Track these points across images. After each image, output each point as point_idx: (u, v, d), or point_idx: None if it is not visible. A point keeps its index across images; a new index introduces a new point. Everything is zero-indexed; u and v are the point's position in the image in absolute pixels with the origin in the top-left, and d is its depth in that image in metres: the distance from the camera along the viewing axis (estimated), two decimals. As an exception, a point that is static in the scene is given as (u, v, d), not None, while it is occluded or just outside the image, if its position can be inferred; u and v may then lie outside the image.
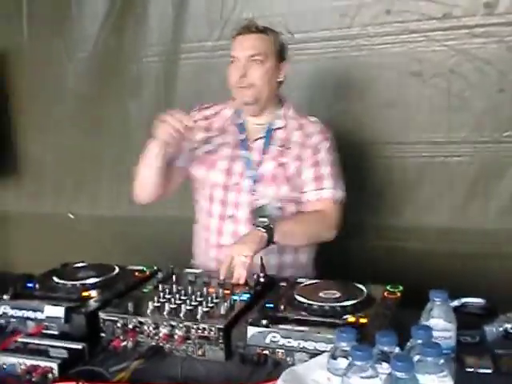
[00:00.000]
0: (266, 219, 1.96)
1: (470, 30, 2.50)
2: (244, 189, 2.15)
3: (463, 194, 2.63)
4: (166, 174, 2.15)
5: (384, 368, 1.09)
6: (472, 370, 1.43)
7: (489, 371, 1.42)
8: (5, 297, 1.78)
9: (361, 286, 1.72)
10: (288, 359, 1.46)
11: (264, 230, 1.92)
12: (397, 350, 1.14)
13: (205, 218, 2.25)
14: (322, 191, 2.12)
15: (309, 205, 2.15)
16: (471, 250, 2.59)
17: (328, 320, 1.51)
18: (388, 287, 1.73)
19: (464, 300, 1.75)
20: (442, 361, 1.08)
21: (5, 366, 1.50)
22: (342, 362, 1.13)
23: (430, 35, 2.55)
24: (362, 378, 1.06)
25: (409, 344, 1.18)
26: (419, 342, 1.14)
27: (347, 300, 1.60)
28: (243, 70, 2.10)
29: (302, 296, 1.64)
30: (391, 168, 2.68)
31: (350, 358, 1.08)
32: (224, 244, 2.18)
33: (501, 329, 1.57)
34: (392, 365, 1.03)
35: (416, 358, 1.10)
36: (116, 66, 3.14)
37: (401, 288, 1.73)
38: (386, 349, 1.13)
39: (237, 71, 2.11)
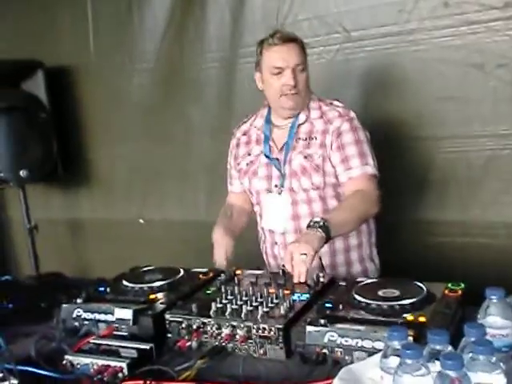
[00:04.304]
0: (318, 218, 1.95)
1: (532, 18, 2.42)
2: (283, 189, 2.24)
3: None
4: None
5: (437, 366, 1.09)
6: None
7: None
8: (78, 301, 1.88)
9: (421, 284, 1.71)
10: (347, 358, 1.47)
11: (320, 230, 1.93)
12: (449, 348, 1.14)
13: (259, 222, 2.40)
14: (351, 171, 2.16)
15: (344, 187, 2.19)
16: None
17: (386, 319, 1.52)
18: (449, 285, 1.71)
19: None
20: (494, 358, 1.07)
21: (79, 366, 1.59)
22: (394, 361, 1.14)
23: (491, 25, 2.48)
24: (413, 376, 1.07)
25: (462, 342, 1.18)
26: (472, 340, 1.13)
27: (406, 298, 1.59)
28: (294, 80, 2.16)
29: (361, 295, 1.64)
30: (455, 163, 2.62)
31: (401, 357, 1.09)
32: (277, 241, 2.30)
33: None
34: (442, 363, 1.03)
35: (469, 356, 1.10)
36: (177, 75, 3.23)
37: (462, 286, 1.70)
38: (437, 347, 1.13)
39: (286, 81, 2.16)
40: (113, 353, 1.62)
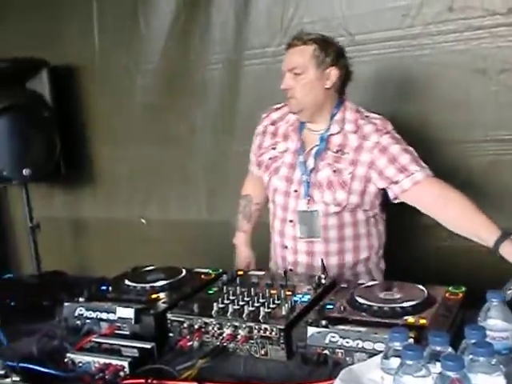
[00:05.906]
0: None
1: (536, 24, 2.44)
2: (302, 196, 2.19)
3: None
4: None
5: (437, 367, 1.10)
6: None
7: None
8: (80, 299, 1.88)
9: (422, 287, 1.72)
10: (348, 359, 1.48)
11: None
12: (449, 349, 1.15)
13: (271, 219, 2.36)
14: (413, 175, 2.06)
15: (410, 193, 2.08)
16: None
17: (387, 321, 1.53)
18: (450, 288, 1.73)
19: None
20: (494, 360, 1.08)
21: (80, 364, 1.59)
22: (395, 362, 1.15)
23: (495, 31, 2.49)
24: (413, 376, 1.08)
25: (463, 344, 1.19)
26: (472, 342, 1.14)
27: (407, 301, 1.60)
28: (285, 84, 2.15)
29: (362, 297, 1.65)
30: (457, 168, 2.62)
31: (402, 358, 1.10)
32: (287, 245, 2.26)
33: None
34: (442, 364, 1.04)
35: (469, 357, 1.10)
36: (181, 76, 3.24)
37: (463, 289, 1.72)
38: (438, 349, 1.14)
39: (282, 84, 2.16)
40: (114, 351, 1.62)
